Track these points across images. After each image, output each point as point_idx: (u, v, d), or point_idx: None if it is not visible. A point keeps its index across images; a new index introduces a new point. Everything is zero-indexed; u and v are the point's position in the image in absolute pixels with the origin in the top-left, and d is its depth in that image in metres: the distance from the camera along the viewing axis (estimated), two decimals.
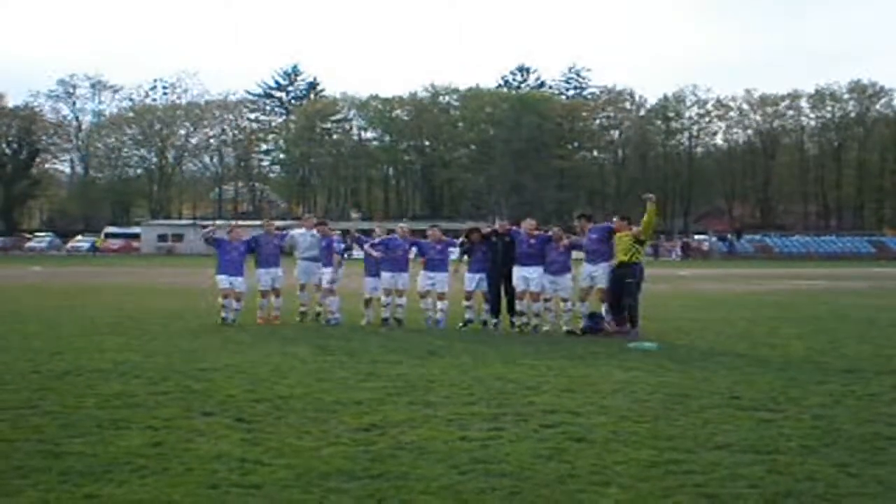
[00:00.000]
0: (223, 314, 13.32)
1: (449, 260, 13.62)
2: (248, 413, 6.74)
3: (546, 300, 12.99)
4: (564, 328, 12.70)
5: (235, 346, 10.81)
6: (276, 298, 13.83)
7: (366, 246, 13.52)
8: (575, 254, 13.12)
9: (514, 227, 13.47)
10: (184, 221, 77.02)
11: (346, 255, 14.53)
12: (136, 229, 73.45)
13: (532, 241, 13.03)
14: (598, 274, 12.54)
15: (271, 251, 14.05)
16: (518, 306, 13.00)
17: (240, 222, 17.06)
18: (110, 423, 6.33)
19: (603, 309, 12.51)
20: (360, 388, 7.86)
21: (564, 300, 12.91)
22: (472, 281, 13.27)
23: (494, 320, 13.15)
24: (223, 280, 13.47)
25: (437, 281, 13.37)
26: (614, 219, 13.08)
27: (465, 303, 13.37)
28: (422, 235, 14.03)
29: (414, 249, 13.74)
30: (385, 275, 13.39)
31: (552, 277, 12.92)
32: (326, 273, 13.86)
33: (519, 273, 12.99)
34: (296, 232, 14.72)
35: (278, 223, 15.60)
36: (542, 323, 12.93)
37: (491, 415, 6.74)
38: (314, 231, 14.27)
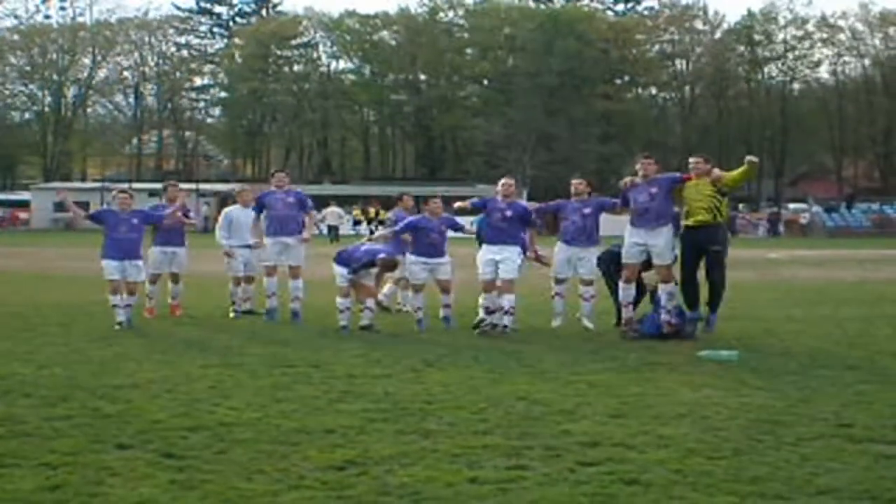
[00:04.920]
0: (118, 317, 13.29)
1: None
2: (178, 446, 6.76)
3: (559, 281, 13.02)
4: (585, 323, 12.74)
5: (161, 355, 10.84)
6: (173, 285, 14.71)
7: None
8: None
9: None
10: (89, 184, 77.08)
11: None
12: (24, 195, 73.46)
13: (507, 210, 12.96)
14: (659, 244, 12.31)
15: (173, 225, 14.57)
16: (486, 301, 12.94)
17: (124, 186, 17.50)
18: None
19: (663, 296, 12.45)
20: (331, 412, 7.87)
21: (587, 283, 12.92)
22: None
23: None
24: (111, 267, 13.46)
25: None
26: (690, 160, 12.82)
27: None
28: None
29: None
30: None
31: (573, 250, 12.93)
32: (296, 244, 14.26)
33: (489, 254, 12.92)
34: (231, 209, 15.25)
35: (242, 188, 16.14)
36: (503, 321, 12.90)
37: (511, 448, 6.76)
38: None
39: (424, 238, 13.53)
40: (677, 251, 12.68)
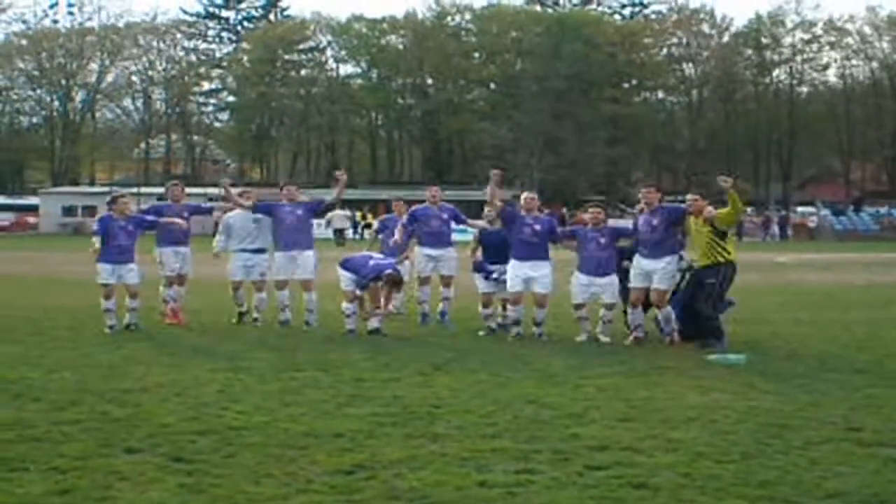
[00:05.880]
0: (108, 321, 13.35)
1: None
2: (187, 450, 6.78)
3: (578, 307, 12.99)
4: (602, 339, 12.65)
5: (170, 359, 10.87)
6: (179, 287, 14.45)
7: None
8: None
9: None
10: (98, 189, 77.21)
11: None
12: (32, 199, 73.64)
13: (536, 225, 12.97)
14: (659, 270, 12.28)
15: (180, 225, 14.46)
16: (514, 313, 13.03)
17: (124, 191, 17.37)
18: (0, 464, 6.37)
19: (661, 320, 12.48)
20: (339, 416, 7.90)
21: (608, 307, 12.82)
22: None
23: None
24: (105, 271, 13.47)
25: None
26: (688, 196, 12.77)
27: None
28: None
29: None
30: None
31: (591, 279, 12.81)
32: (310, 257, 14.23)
33: (520, 269, 12.87)
34: (231, 214, 14.99)
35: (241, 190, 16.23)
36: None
37: (520, 452, 6.77)
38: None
39: (425, 226, 14.15)
40: (677, 277, 12.61)
